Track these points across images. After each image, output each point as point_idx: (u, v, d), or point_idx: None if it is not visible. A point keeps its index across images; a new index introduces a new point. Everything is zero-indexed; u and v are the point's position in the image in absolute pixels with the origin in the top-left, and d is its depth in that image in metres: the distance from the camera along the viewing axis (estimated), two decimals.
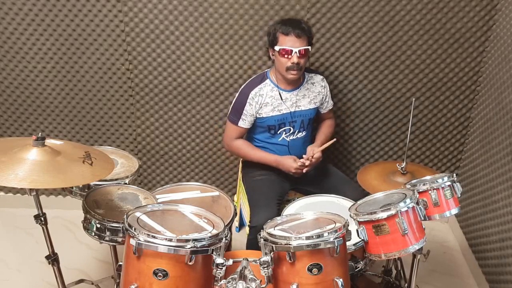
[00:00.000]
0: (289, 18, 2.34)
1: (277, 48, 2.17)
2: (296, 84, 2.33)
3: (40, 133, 1.69)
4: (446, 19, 2.48)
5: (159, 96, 2.74)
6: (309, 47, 2.18)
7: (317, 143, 2.40)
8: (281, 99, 2.30)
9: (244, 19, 2.51)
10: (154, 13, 2.50)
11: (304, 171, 2.27)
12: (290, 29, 2.14)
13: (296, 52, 2.14)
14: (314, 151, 2.27)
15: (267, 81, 2.31)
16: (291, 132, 2.39)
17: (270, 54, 2.26)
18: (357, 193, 2.20)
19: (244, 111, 2.31)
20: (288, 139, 2.40)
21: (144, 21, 2.52)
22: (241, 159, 2.54)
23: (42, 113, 2.80)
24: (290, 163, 2.28)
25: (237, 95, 2.37)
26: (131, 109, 2.78)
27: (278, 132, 2.38)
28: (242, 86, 2.37)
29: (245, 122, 2.34)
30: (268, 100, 2.30)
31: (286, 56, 2.15)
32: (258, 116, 2.33)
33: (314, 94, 2.38)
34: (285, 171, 2.31)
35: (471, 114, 2.74)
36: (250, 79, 2.39)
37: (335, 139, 2.32)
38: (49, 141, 1.75)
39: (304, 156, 2.28)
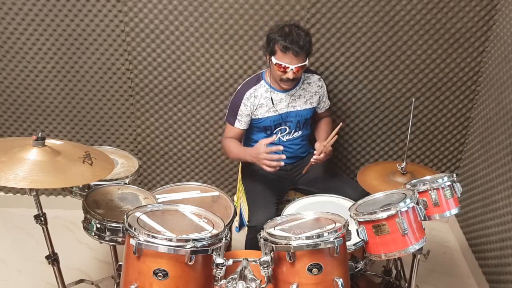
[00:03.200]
0: (290, 30, 2.12)
1: (273, 60, 2.15)
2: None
3: (40, 133, 1.69)
4: (446, 19, 2.48)
5: (159, 96, 2.74)
6: (306, 62, 2.15)
7: (321, 139, 2.35)
8: (274, 101, 2.29)
9: (244, 19, 2.51)
10: (154, 13, 2.50)
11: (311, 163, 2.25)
12: (289, 46, 2.08)
13: (292, 69, 2.12)
14: (323, 144, 2.23)
15: (262, 82, 2.31)
16: (287, 132, 2.38)
17: (267, 58, 2.25)
18: (357, 192, 2.20)
19: (239, 111, 2.31)
20: (284, 139, 2.40)
21: (144, 21, 2.52)
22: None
23: (42, 113, 2.80)
24: (258, 149, 2.12)
25: (233, 95, 2.37)
26: (131, 109, 2.78)
27: (274, 132, 2.38)
28: (239, 86, 2.37)
29: (241, 123, 2.34)
30: (263, 101, 2.30)
31: (281, 70, 2.14)
32: (254, 117, 2.33)
33: (310, 94, 2.37)
34: (260, 165, 2.15)
35: (471, 114, 2.74)
36: (247, 79, 2.39)
37: (341, 124, 2.22)
38: (49, 141, 1.75)
39: (315, 152, 2.25)
